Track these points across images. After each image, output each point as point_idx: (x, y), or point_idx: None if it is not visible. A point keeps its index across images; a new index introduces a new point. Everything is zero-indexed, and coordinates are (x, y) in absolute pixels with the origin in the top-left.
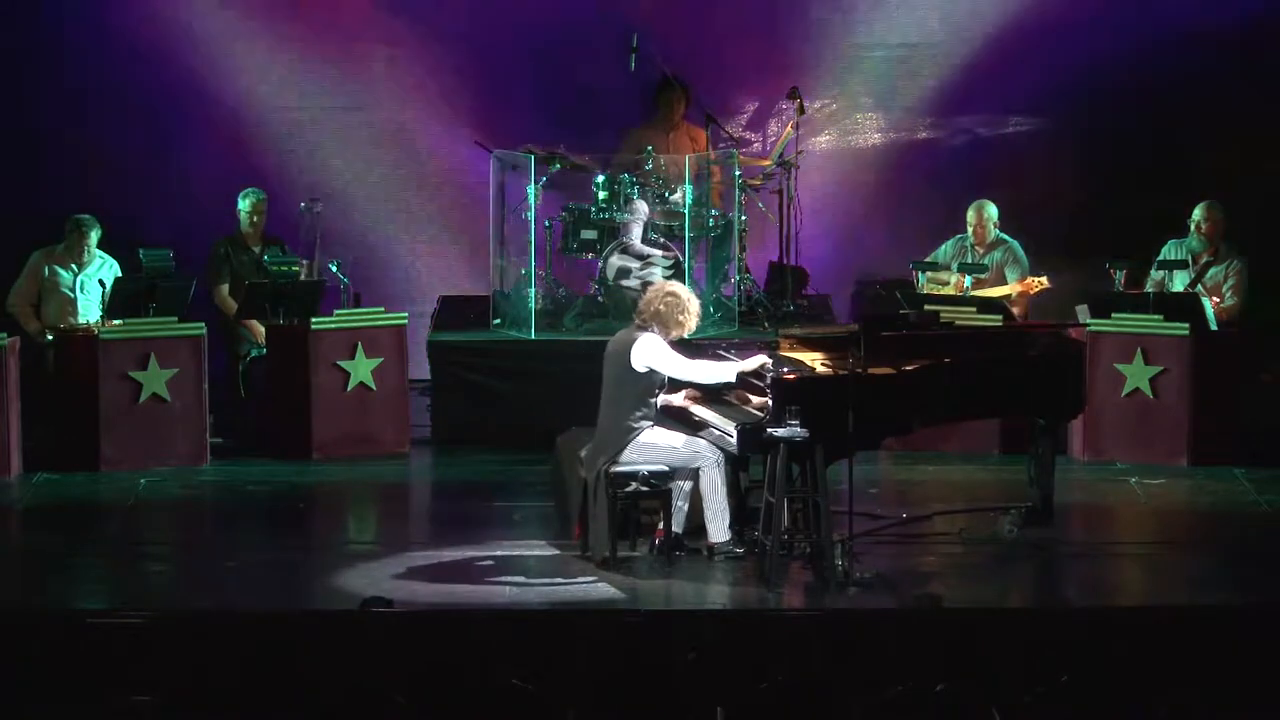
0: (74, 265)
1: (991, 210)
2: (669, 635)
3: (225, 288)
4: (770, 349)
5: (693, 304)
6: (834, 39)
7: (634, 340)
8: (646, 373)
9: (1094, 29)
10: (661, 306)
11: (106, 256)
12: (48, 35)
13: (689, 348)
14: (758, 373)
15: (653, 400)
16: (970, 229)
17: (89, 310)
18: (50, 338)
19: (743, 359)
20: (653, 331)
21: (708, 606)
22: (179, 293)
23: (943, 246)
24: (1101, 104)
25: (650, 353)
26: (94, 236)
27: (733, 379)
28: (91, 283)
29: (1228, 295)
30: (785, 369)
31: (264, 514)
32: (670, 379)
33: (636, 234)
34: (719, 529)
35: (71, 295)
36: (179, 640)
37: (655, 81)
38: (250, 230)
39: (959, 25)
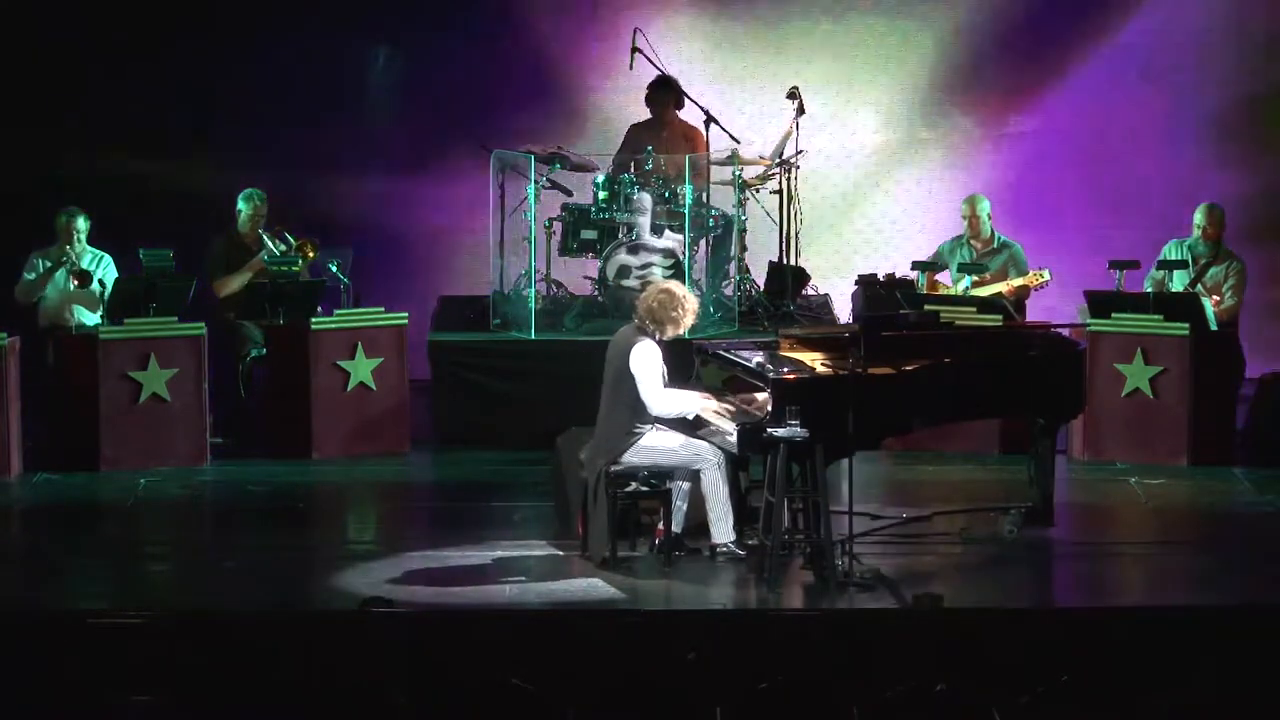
0: (51, 265)
1: (984, 205)
2: (669, 635)
3: (225, 279)
4: (770, 349)
5: (688, 302)
6: (835, 38)
7: (634, 344)
8: None
9: (1094, 27)
10: (655, 304)
11: (100, 252)
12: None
13: (689, 349)
14: (708, 419)
15: None
16: (965, 222)
17: (82, 312)
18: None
19: (716, 399)
20: (651, 333)
21: (708, 606)
22: (179, 293)
23: (942, 246)
24: (1102, 103)
25: (638, 363)
26: (81, 224)
27: (691, 417)
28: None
29: (1227, 295)
30: (785, 369)
31: (264, 514)
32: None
33: (645, 225)
34: (723, 530)
35: (65, 290)
36: (179, 640)
37: (652, 81)
38: (249, 230)
39: (961, 24)
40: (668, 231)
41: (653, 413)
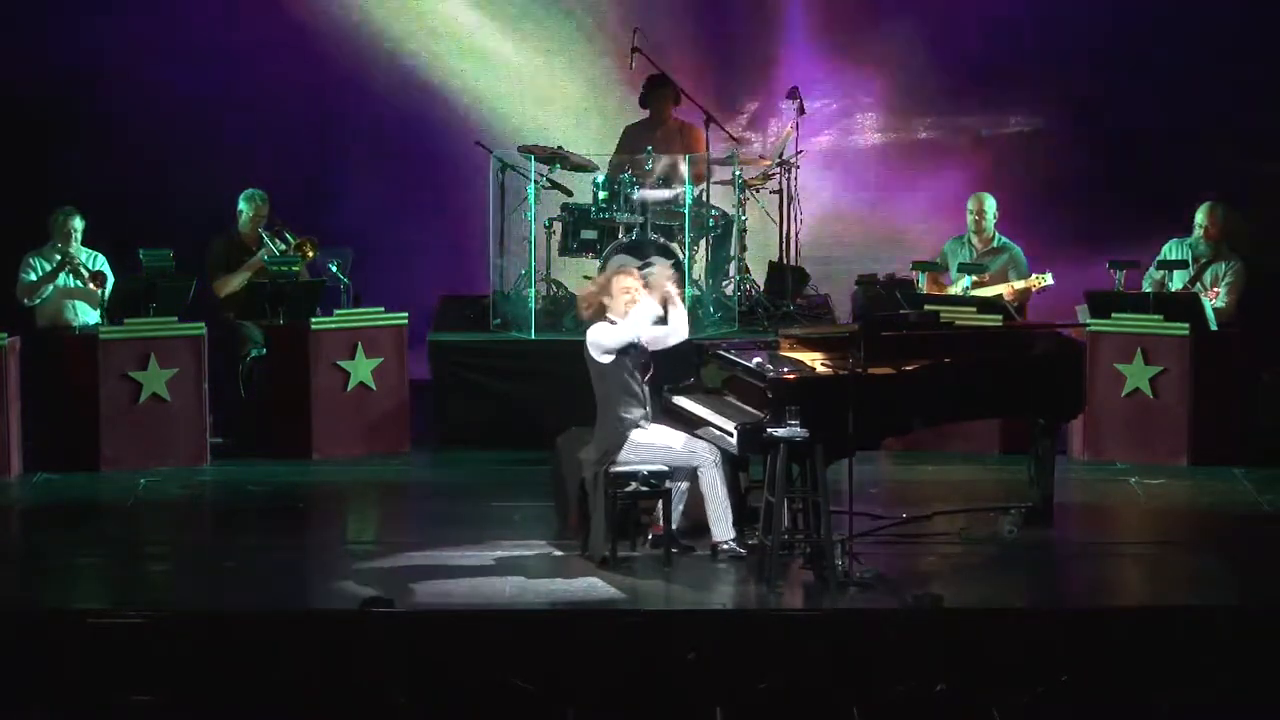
0: (54, 267)
1: (991, 202)
2: (669, 635)
3: (225, 279)
4: (770, 349)
5: (617, 282)
6: (836, 38)
7: (588, 338)
8: (615, 361)
9: (1095, 27)
10: (583, 300)
11: (95, 252)
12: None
13: (689, 349)
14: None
15: (637, 387)
16: (971, 218)
17: (85, 310)
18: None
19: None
20: (600, 323)
21: (708, 606)
22: (179, 293)
23: (946, 246)
24: (1102, 102)
25: (597, 339)
26: (77, 223)
27: (638, 339)
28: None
29: (1222, 294)
30: (785, 369)
31: (264, 514)
32: (649, 357)
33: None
34: (723, 529)
35: (66, 287)
36: (179, 640)
37: (647, 78)
38: (250, 231)
39: (960, 23)
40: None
41: (626, 338)
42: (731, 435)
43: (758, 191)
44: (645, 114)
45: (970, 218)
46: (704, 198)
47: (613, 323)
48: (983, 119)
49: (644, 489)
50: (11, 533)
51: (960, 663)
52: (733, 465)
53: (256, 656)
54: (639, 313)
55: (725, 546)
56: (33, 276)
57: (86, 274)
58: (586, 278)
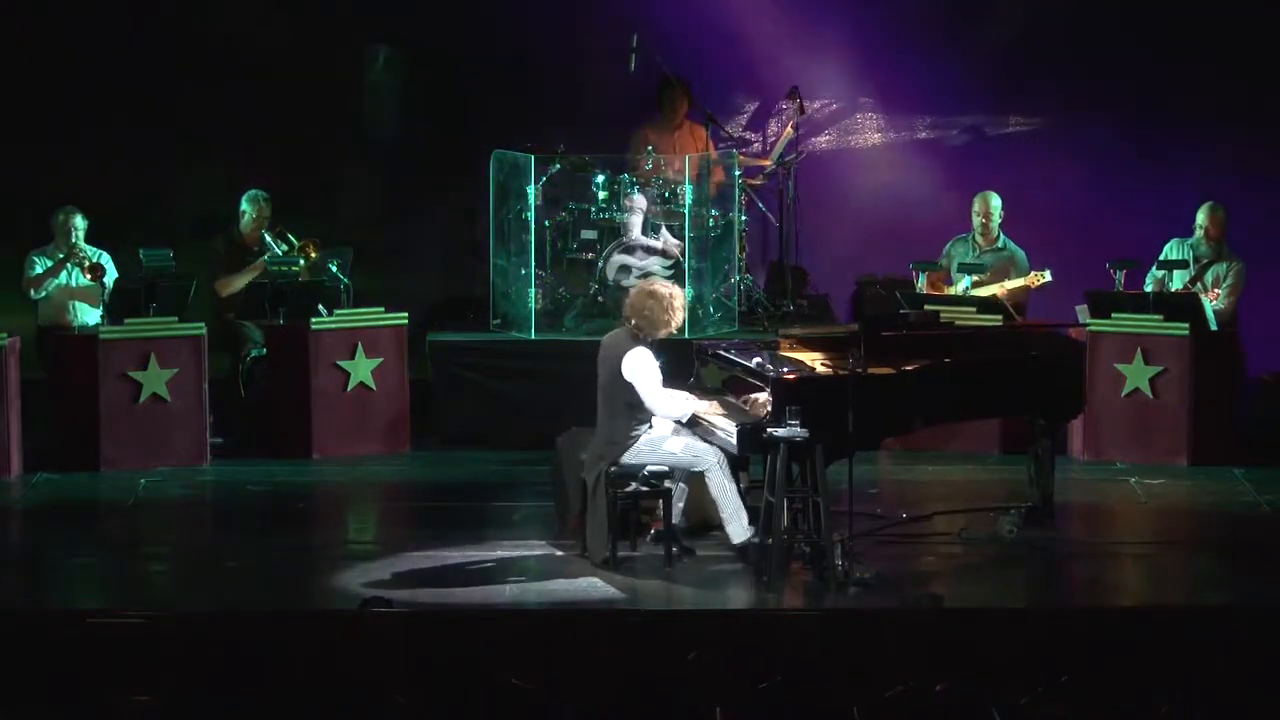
0: (63, 257)
1: (996, 201)
2: (669, 635)
3: (227, 279)
4: (770, 349)
5: (676, 299)
6: (834, 38)
7: (625, 351)
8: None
9: (1095, 27)
10: (645, 310)
11: (98, 250)
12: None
13: (689, 349)
14: (705, 419)
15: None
16: (977, 218)
17: (85, 309)
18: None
19: (703, 399)
20: (643, 338)
21: (708, 606)
22: (179, 293)
23: (948, 246)
24: (1102, 102)
25: (635, 370)
26: (79, 222)
27: (685, 420)
28: (83, 277)
29: (1222, 295)
30: (785, 369)
31: (264, 514)
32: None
33: (636, 227)
34: (739, 529)
35: (68, 286)
36: (179, 640)
37: (656, 81)
38: (252, 232)
39: (959, 24)
40: (664, 230)
41: (657, 414)
42: (731, 435)
43: (757, 192)
44: (647, 116)
45: (976, 218)
46: (703, 197)
47: (650, 341)
48: (983, 119)
49: (644, 489)
50: (11, 533)
51: (960, 663)
52: (732, 465)
53: (256, 656)
54: (698, 408)
55: (745, 544)
56: (38, 269)
57: (88, 264)
58: (590, 280)
